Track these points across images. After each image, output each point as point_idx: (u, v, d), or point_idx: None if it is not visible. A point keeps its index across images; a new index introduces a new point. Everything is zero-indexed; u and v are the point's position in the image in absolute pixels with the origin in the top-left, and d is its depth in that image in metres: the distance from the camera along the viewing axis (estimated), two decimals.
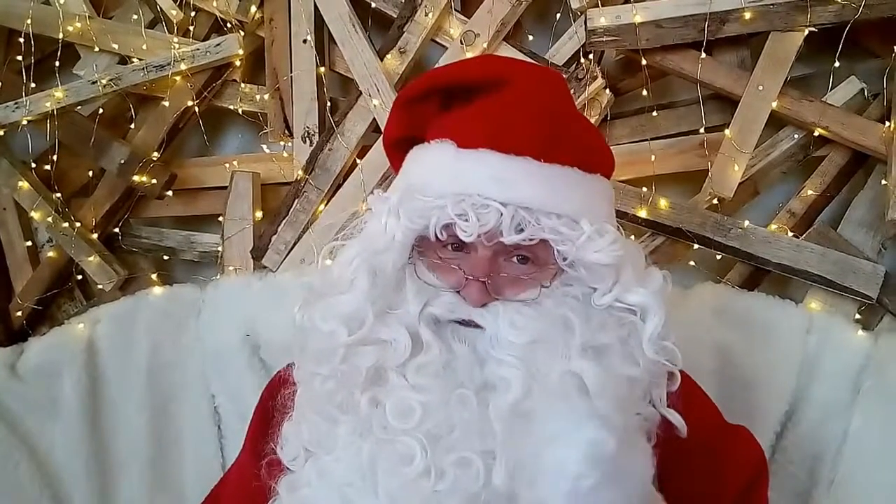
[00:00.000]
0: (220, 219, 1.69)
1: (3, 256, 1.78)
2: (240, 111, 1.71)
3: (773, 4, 1.41)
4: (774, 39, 1.43)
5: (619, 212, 1.49)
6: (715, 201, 1.47)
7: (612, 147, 1.55)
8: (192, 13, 1.71)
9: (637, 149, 1.52)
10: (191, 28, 1.71)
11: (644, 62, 1.47)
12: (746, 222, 1.46)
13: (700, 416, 0.98)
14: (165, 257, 1.77)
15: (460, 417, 0.84)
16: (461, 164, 0.90)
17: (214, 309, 1.59)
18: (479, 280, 0.88)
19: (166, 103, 1.69)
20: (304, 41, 1.64)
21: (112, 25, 1.73)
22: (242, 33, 1.68)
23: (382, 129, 1.42)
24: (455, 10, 1.58)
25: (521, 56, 1.52)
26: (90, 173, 1.76)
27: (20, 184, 1.74)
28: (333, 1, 1.61)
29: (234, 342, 1.54)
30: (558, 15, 1.56)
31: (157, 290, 1.65)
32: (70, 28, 1.71)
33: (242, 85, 1.71)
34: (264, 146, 1.71)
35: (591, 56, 1.50)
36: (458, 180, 0.89)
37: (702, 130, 1.48)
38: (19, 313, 1.74)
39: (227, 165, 1.71)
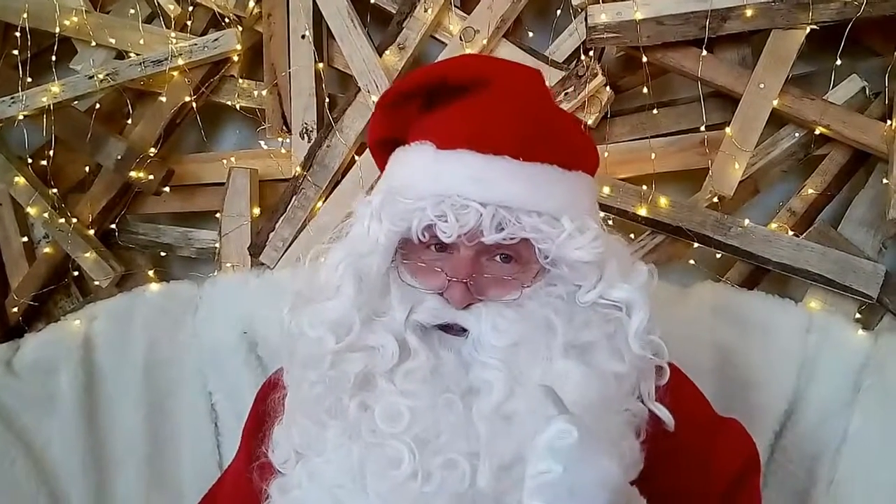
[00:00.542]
0: (218, 215, 1.69)
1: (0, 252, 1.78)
2: (237, 107, 1.71)
3: (774, 2, 1.40)
4: (776, 37, 1.43)
5: (619, 210, 1.48)
6: (715, 200, 1.47)
7: (611, 145, 1.54)
8: (190, 8, 1.71)
9: (637, 147, 1.52)
10: (188, 23, 1.70)
11: (645, 59, 1.47)
12: (747, 221, 1.46)
13: (690, 409, 0.98)
14: (162, 254, 1.77)
15: (447, 421, 0.85)
16: (440, 165, 0.91)
17: (211, 306, 1.59)
18: (461, 281, 0.89)
19: (163, 99, 1.68)
20: (303, 37, 1.63)
21: (109, 20, 1.73)
22: (240, 28, 1.67)
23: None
24: (454, 6, 1.57)
25: (521, 53, 1.52)
26: (87, 169, 1.76)
27: (16, 179, 1.73)
28: None
29: (231, 339, 1.54)
30: (559, 11, 1.55)
31: (154, 286, 1.65)
32: (67, 22, 1.70)
33: (240, 80, 1.71)
34: (262, 142, 1.70)
35: (591, 53, 1.49)
36: (438, 182, 0.89)
37: (702, 128, 1.48)
38: (15, 309, 1.74)
39: (224, 162, 1.71)
